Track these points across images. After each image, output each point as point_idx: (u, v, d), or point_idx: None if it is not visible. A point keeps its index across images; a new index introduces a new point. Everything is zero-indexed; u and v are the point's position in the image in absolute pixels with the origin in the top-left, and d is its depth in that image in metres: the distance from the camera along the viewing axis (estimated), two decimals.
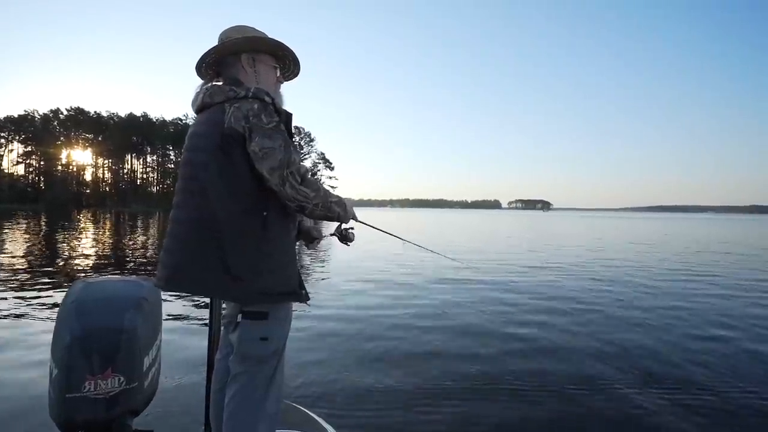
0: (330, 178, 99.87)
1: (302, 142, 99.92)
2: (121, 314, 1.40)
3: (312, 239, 1.56)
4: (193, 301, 4.69)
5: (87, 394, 1.29)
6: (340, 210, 1.29)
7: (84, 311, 1.36)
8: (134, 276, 1.47)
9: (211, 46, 1.32)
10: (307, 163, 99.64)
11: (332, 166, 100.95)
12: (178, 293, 3.11)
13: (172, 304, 4.46)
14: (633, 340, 3.70)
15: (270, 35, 1.36)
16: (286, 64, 1.42)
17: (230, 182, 1.18)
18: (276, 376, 1.29)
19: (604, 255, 11.14)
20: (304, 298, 1.28)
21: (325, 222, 1.36)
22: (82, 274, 7.09)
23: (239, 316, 1.25)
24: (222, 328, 1.43)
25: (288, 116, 1.28)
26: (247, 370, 1.25)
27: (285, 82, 1.46)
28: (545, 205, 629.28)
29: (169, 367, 2.35)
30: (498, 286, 6.35)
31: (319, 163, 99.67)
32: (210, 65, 1.35)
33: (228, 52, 1.32)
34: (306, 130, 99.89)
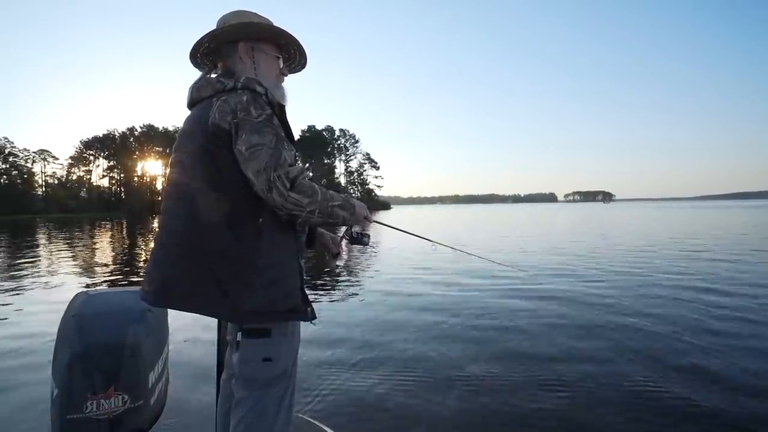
0: (376, 177, 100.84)
1: (347, 144, 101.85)
2: (124, 328, 1.33)
3: (333, 254, 1.36)
4: None
5: (89, 414, 1.23)
6: (345, 214, 1.11)
7: (84, 326, 1.29)
8: (138, 286, 1.38)
9: (206, 32, 1.17)
10: (353, 164, 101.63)
11: (378, 165, 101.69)
12: None
13: (180, 314, 4.13)
14: None
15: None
16: (291, 54, 1.26)
17: (218, 186, 1.04)
18: (285, 400, 1.13)
19: None
20: (308, 316, 1.10)
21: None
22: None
23: (239, 334, 1.10)
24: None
25: (282, 108, 1.12)
26: (252, 395, 1.10)
27: (291, 75, 1.30)
28: (606, 197, 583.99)
29: (179, 382, 2.22)
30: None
31: (365, 163, 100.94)
32: (206, 55, 1.21)
33: (224, 40, 1.18)
34: (350, 132, 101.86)
